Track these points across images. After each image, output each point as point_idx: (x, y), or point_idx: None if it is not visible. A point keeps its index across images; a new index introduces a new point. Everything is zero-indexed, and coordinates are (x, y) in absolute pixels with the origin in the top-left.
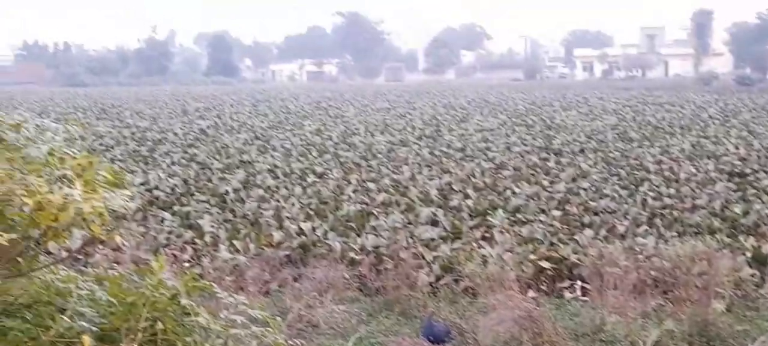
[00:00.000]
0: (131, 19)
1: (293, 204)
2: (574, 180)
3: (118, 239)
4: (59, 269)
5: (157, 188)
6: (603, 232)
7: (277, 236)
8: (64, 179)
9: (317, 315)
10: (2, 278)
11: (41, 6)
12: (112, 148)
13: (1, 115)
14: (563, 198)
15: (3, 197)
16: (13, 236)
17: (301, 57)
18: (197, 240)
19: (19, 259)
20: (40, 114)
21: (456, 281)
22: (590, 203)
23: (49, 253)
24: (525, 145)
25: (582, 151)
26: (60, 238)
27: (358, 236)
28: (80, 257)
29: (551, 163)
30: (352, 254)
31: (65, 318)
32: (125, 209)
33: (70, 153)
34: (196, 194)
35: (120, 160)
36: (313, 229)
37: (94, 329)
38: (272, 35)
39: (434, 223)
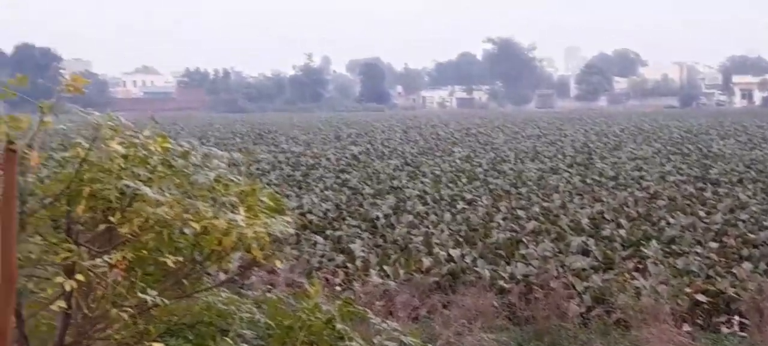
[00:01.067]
0: (287, 47)
1: (443, 230)
2: (731, 211)
3: (277, 263)
4: (220, 291)
5: (310, 211)
6: (763, 265)
7: (427, 262)
8: (229, 205)
9: (466, 343)
10: (168, 298)
11: (203, 34)
12: (268, 172)
13: (172, 143)
14: (720, 229)
15: (171, 221)
16: (180, 258)
17: (451, 83)
18: (348, 264)
19: (184, 280)
20: (200, 139)
21: (608, 312)
22: (749, 235)
23: (208, 275)
24: (680, 174)
25: (740, 181)
26: (223, 261)
27: (508, 263)
28: (237, 279)
29: (708, 194)
30: (501, 282)
31: (228, 340)
32: (285, 234)
33: (235, 180)
34: (348, 218)
35: (275, 185)
36: (463, 256)
37: None
38: (423, 62)
39: (585, 252)
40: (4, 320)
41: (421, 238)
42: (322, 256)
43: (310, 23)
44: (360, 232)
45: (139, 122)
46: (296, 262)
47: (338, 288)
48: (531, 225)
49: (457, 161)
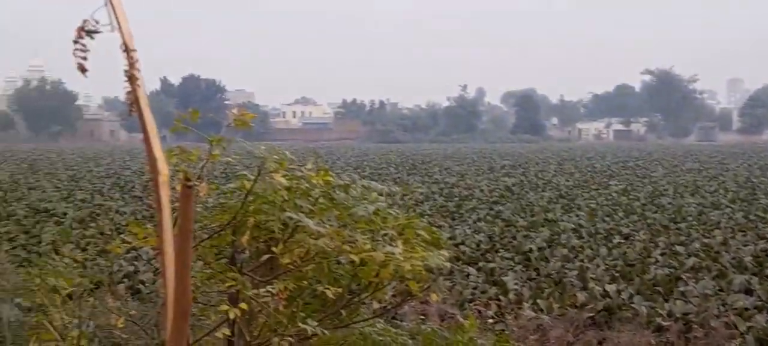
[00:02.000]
0: (442, 78)
1: (598, 265)
2: None
3: (434, 297)
4: (375, 322)
5: (463, 243)
6: None
7: (581, 297)
8: (387, 238)
9: None
10: (325, 328)
11: (361, 66)
12: (422, 203)
13: (333, 176)
14: None
15: (331, 252)
16: (338, 289)
17: (608, 116)
18: (501, 297)
19: (342, 311)
20: (355, 168)
21: None
22: None
23: (364, 306)
24: None
25: None
26: (379, 293)
27: (666, 301)
28: (389, 308)
29: None
30: (659, 320)
31: None
32: (441, 268)
33: (393, 213)
34: (501, 250)
35: (428, 215)
36: (619, 292)
37: None
38: (579, 93)
39: (748, 291)
40: None
41: (575, 272)
42: (475, 288)
43: (466, 55)
44: (513, 264)
45: (298, 152)
46: (449, 293)
47: (491, 321)
48: (691, 262)
49: (614, 194)
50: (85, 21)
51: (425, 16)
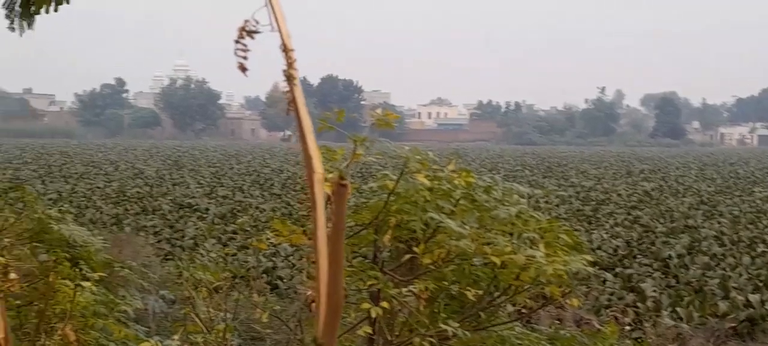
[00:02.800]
0: (579, 80)
1: (740, 274)
2: None
3: (575, 302)
4: (514, 326)
5: (599, 248)
6: None
7: (723, 306)
8: (528, 240)
9: None
10: (464, 330)
11: (496, 67)
12: (557, 206)
13: (475, 178)
14: None
15: (472, 254)
16: (479, 291)
17: (752, 120)
18: (639, 304)
19: (481, 313)
20: (490, 170)
21: None
22: None
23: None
24: None
25: None
26: (519, 296)
27: None
28: (527, 312)
29: None
30: None
31: None
32: (584, 273)
33: (535, 216)
34: (639, 256)
35: (564, 219)
36: (762, 302)
37: None
38: (722, 97)
39: None
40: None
41: (717, 280)
42: (612, 294)
43: (604, 57)
44: (651, 271)
45: (433, 153)
46: (585, 299)
47: (628, 328)
48: None
49: (758, 202)
50: (246, 21)
51: (563, 16)
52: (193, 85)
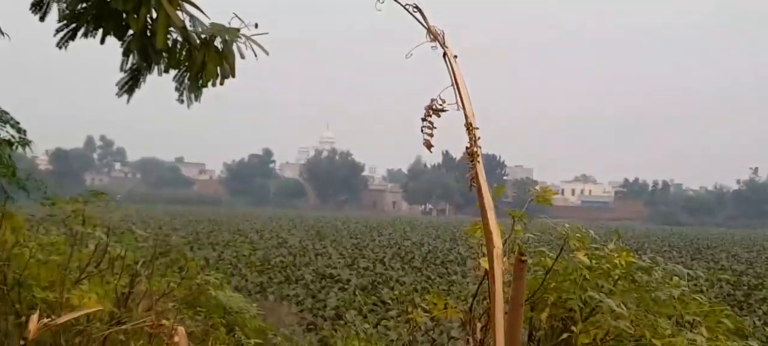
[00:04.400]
0: (730, 159)
1: None
2: None
3: None
4: None
5: (753, 335)
6: None
7: None
8: (688, 324)
9: None
10: None
11: (644, 145)
12: (706, 290)
13: (635, 258)
14: None
15: (631, 335)
16: None
17: None
18: None
19: None
20: (636, 250)
21: None
22: None
23: None
24: None
25: None
26: None
27: None
28: None
29: None
30: None
31: None
32: None
33: (697, 298)
34: None
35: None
36: None
37: None
38: None
39: None
40: None
41: None
42: None
43: (755, 134)
44: None
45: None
46: None
47: None
48: None
49: None
50: (433, 100)
51: (709, 92)
52: (337, 157)
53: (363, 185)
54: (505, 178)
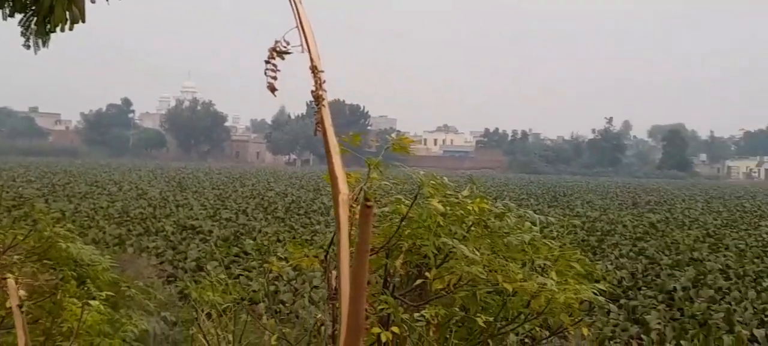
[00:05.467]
0: (586, 110)
1: (746, 308)
2: None
3: (585, 331)
4: None
5: (604, 278)
6: None
7: (727, 340)
8: (539, 268)
9: None
10: None
11: (502, 96)
12: (562, 236)
13: (488, 204)
14: None
15: (483, 280)
16: (489, 318)
17: (760, 154)
18: (643, 336)
19: (489, 341)
20: (495, 198)
21: None
22: None
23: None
24: None
25: None
26: (529, 324)
27: None
28: (532, 342)
29: None
30: None
31: None
32: (597, 302)
33: (548, 243)
34: (643, 288)
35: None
36: (767, 336)
37: None
38: (730, 130)
39: None
40: None
41: (722, 314)
42: (616, 325)
43: (612, 87)
44: (656, 303)
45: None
46: (589, 330)
47: None
48: None
49: (764, 236)
50: (276, 42)
51: (571, 46)
52: (199, 107)
53: (226, 136)
54: (368, 128)
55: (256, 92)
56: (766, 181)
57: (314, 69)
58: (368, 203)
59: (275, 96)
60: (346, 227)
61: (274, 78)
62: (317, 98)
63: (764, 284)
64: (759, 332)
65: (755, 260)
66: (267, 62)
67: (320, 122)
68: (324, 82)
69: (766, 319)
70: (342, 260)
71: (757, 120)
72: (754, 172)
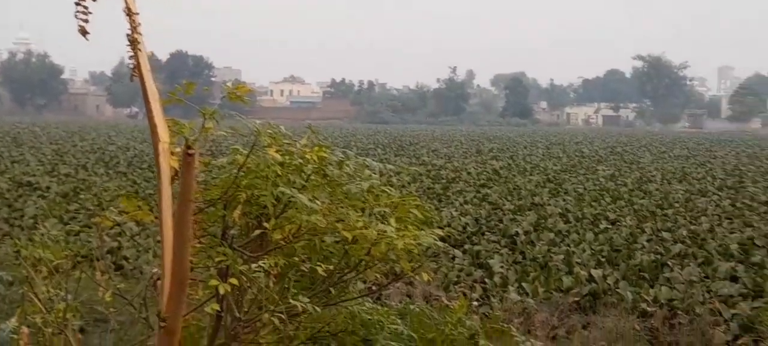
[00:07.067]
0: (431, 60)
1: (584, 250)
2: None
3: (425, 276)
4: (364, 301)
5: (449, 225)
6: None
7: (567, 281)
8: (379, 215)
9: None
10: (316, 305)
11: (350, 46)
12: (409, 184)
13: (328, 152)
14: None
15: (323, 229)
16: (329, 266)
17: (597, 101)
18: (487, 280)
19: (331, 289)
20: (344, 148)
21: (756, 342)
22: None
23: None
24: None
25: None
26: (370, 271)
27: (651, 287)
28: (377, 288)
29: None
30: (644, 306)
31: None
32: (435, 247)
33: (387, 191)
34: (487, 233)
35: (415, 197)
36: (604, 276)
37: None
38: (569, 78)
39: (734, 278)
40: (175, 320)
41: (561, 256)
42: (461, 270)
43: (456, 38)
44: (499, 247)
45: (287, 130)
46: (434, 275)
47: (476, 303)
48: (677, 248)
49: (601, 180)
50: None
51: None
52: (34, 59)
53: (63, 89)
54: (213, 79)
55: (92, 44)
56: (603, 126)
57: (128, 11)
58: (190, 151)
59: (87, 40)
60: (167, 177)
61: (86, 21)
62: (133, 42)
63: (601, 226)
64: (596, 273)
65: (593, 204)
66: (77, 4)
67: (137, 67)
68: (139, 24)
69: (602, 259)
70: (164, 210)
71: (594, 68)
72: (592, 118)
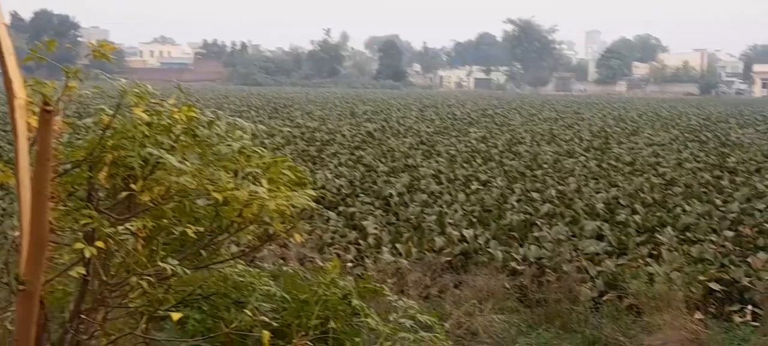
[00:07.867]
0: (305, 22)
1: (456, 210)
2: (748, 200)
3: (298, 238)
4: (236, 263)
5: (323, 187)
6: None
7: (439, 241)
8: (251, 177)
9: (476, 323)
10: (185, 268)
11: (222, 6)
12: (283, 146)
13: (197, 112)
14: (736, 218)
15: (193, 190)
16: (200, 229)
17: (469, 64)
18: (361, 241)
19: (202, 251)
20: (215, 111)
21: (620, 297)
22: (765, 224)
23: (231, 245)
24: (697, 161)
25: (758, 170)
26: (242, 233)
27: (521, 245)
28: (249, 251)
29: (725, 182)
30: (513, 264)
31: (247, 312)
32: (307, 208)
33: (258, 151)
34: (361, 195)
35: (290, 159)
36: (476, 236)
37: (274, 324)
38: (442, 41)
39: (599, 237)
40: (35, 283)
41: (434, 217)
42: (335, 232)
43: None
44: (373, 209)
45: (156, 90)
46: (309, 237)
47: (350, 264)
48: (545, 208)
49: (473, 142)
50: None
51: None
52: None
53: None
54: (79, 39)
55: None
56: (475, 89)
57: None
58: (48, 108)
59: None
60: (24, 135)
61: None
62: None
63: (473, 187)
64: (468, 233)
65: (464, 165)
66: None
67: None
68: None
69: (474, 220)
70: (21, 169)
71: (466, 31)
72: (464, 81)
